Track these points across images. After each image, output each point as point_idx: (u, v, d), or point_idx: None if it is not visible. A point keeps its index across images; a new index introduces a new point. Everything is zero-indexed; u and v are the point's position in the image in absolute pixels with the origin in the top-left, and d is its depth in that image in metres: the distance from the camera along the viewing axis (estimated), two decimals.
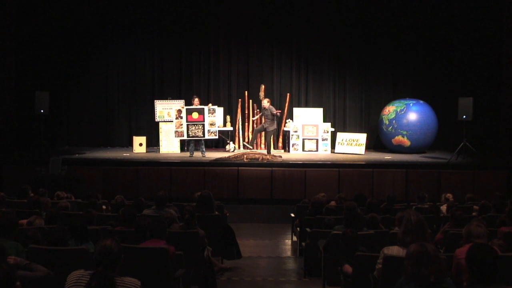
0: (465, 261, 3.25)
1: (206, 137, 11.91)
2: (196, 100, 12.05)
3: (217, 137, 12.42)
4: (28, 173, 10.50)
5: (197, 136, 11.89)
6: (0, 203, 6.91)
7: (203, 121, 11.85)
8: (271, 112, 11.84)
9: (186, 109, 11.92)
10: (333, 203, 7.78)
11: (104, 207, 7.80)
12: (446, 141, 13.20)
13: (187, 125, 11.83)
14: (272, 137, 12.33)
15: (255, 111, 13.47)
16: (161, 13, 14.12)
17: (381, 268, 4.15)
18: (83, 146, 13.69)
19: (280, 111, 12.76)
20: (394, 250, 4.11)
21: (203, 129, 11.84)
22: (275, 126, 12.08)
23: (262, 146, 13.08)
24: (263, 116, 12.23)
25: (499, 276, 3.18)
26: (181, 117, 11.86)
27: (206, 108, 11.94)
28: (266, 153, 11.72)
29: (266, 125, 12.00)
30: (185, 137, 11.96)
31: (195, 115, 11.88)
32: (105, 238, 3.38)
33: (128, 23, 14.08)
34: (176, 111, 11.94)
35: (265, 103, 12.00)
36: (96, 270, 3.19)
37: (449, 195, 8.34)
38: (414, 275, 3.20)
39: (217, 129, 12.18)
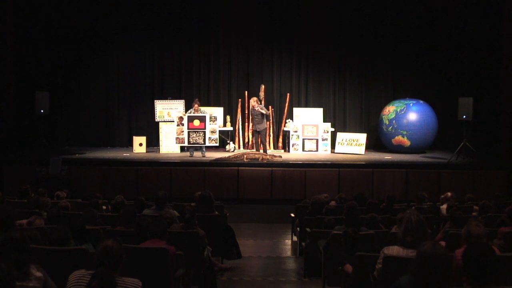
0: (461, 261, 3.21)
1: (207, 144, 11.97)
2: (196, 105, 12.06)
3: (217, 144, 12.42)
4: (28, 173, 10.50)
5: (197, 143, 11.95)
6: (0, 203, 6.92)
7: (204, 128, 11.89)
8: (261, 112, 11.77)
9: (188, 116, 11.96)
10: (333, 203, 7.78)
11: (104, 207, 7.80)
12: (446, 141, 13.20)
13: (188, 132, 11.87)
14: (266, 136, 12.23)
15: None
16: (161, 13, 14.10)
17: (381, 268, 4.15)
18: (83, 146, 13.66)
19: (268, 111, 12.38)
20: (394, 250, 4.11)
21: (204, 136, 11.88)
22: (265, 125, 12.00)
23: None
24: (253, 116, 12.07)
25: (497, 276, 3.12)
26: (183, 124, 11.90)
27: (207, 115, 11.97)
28: (266, 153, 11.69)
29: (256, 126, 11.93)
30: (186, 144, 12.02)
31: (196, 123, 11.91)
32: (106, 238, 3.38)
33: (128, 23, 14.05)
34: (177, 118, 11.99)
35: (252, 102, 11.90)
36: (97, 270, 3.18)
37: (449, 195, 8.33)
38: (420, 275, 3.17)
39: (218, 136, 12.18)
